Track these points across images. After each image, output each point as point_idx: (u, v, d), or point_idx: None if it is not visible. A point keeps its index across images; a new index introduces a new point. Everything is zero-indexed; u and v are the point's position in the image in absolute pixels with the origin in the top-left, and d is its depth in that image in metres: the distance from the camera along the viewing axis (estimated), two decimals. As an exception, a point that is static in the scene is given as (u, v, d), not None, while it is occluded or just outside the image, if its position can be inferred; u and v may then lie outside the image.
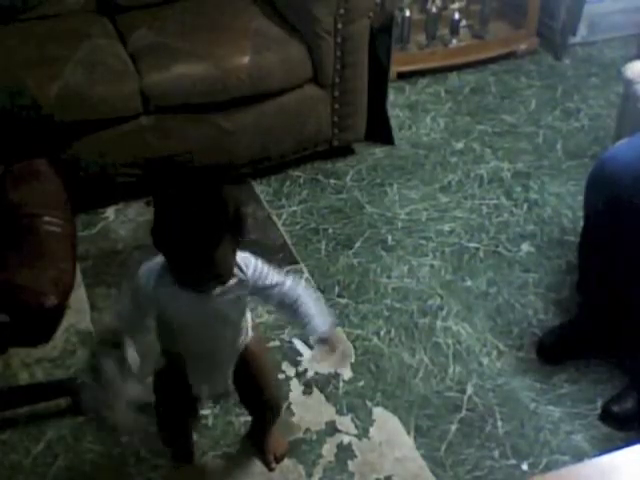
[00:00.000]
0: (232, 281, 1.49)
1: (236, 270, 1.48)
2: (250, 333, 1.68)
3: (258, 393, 1.77)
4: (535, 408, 2.04)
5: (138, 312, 1.55)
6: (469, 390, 2.09)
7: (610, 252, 2.02)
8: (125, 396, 1.54)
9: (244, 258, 1.51)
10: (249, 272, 1.50)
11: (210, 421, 1.99)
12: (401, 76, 3.40)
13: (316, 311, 1.57)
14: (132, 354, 1.51)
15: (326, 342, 1.57)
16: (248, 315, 1.66)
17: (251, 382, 1.73)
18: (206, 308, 1.51)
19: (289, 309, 1.58)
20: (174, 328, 1.56)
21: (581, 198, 2.17)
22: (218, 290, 1.48)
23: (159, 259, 1.47)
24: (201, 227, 1.35)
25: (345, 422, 2.00)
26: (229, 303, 1.53)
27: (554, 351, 2.17)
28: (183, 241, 1.36)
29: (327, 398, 2.06)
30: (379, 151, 3.01)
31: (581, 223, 2.23)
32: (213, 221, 1.36)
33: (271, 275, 1.54)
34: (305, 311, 1.56)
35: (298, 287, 1.57)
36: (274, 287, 1.54)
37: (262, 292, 1.55)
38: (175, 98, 2.55)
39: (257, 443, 1.93)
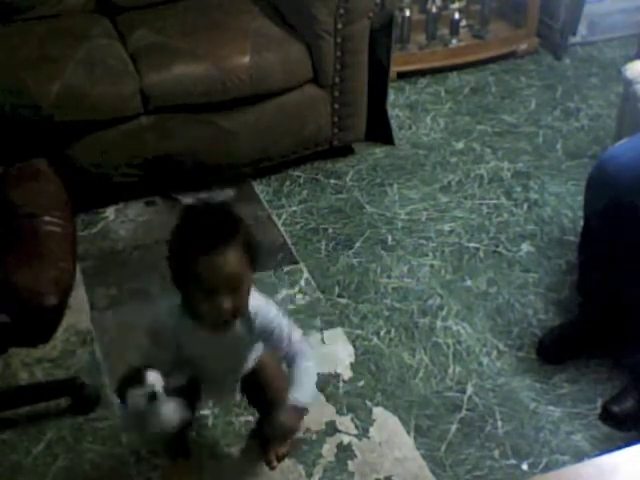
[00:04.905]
0: (243, 328, 1.53)
1: (246, 317, 1.52)
2: (262, 349, 1.70)
3: (265, 396, 1.78)
4: (535, 408, 2.04)
5: (157, 348, 1.56)
6: (469, 390, 2.09)
7: (610, 252, 2.02)
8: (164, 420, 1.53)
9: (256, 306, 1.53)
10: (257, 321, 1.54)
11: (210, 421, 1.99)
12: (401, 76, 3.40)
13: (303, 382, 1.60)
14: (155, 377, 1.51)
15: (293, 414, 1.58)
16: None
17: (262, 392, 1.75)
18: (222, 346, 1.55)
19: (284, 354, 1.62)
20: (190, 359, 1.59)
21: (581, 198, 2.17)
22: (230, 333, 1.52)
23: (174, 299, 1.50)
24: (216, 235, 1.39)
25: (345, 422, 2.00)
26: (243, 344, 1.58)
27: (554, 351, 2.17)
28: (199, 249, 1.38)
29: (327, 398, 2.06)
30: (379, 151, 3.01)
31: (581, 223, 2.23)
32: (227, 231, 1.41)
33: (279, 323, 1.57)
34: (295, 377, 1.60)
35: (303, 351, 1.60)
36: (278, 334, 1.58)
37: (266, 336, 1.59)
38: (175, 98, 2.55)
39: (261, 441, 1.93)
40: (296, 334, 1.61)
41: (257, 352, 1.69)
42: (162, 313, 1.54)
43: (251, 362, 1.69)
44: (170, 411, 1.50)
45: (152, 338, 1.57)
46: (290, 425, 1.60)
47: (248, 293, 1.47)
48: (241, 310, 1.48)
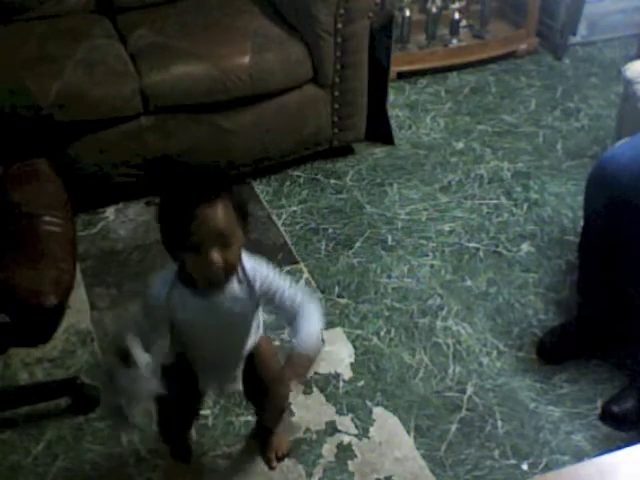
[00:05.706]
0: (241, 293, 1.51)
1: (244, 280, 1.50)
2: (261, 332, 1.69)
3: (264, 391, 1.77)
4: (535, 408, 2.04)
5: (149, 320, 1.55)
6: (469, 390, 2.09)
7: (610, 252, 2.02)
8: (143, 393, 1.51)
9: (253, 268, 1.52)
10: (257, 284, 1.52)
11: (210, 421, 1.99)
12: (401, 76, 3.40)
13: (309, 327, 1.52)
14: (139, 352, 1.49)
15: (298, 359, 1.51)
16: (260, 317, 1.67)
17: (258, 379, 1.73)
18: (217, 314, 1.52)
19: (289, 315, 1.55)
20: (185, 333, 1.58)
21: (581, 198, 2.17)
22: (228, 296, 1.50)
23: (171, 268, 1.50)
24: (204, 190, 1.40)
25: (345, 422, 2.00)
26: (239, 312, 1.55)
27: (554, 351, 2.17)
28: (188, 208, 1.38)
29: (327, 398, 2.06)
30: (379, 151, 3.01)
31: (581, 223, 2.23)
32: (216, 188, 1.41)
33: (279, 283, 1.54)
34: (300, 323, 1.52)
35: (304, 298, 1.56)
36: (281, 294, 1.54)
37: (269, 298, 1.56)
38: (175, 98, 2.55)
39: (261, 441, 1.93)
40: (298, 292, 1.57)
41: (258, 329, 1.66)
42: (156, 283, 1.53)
43: (252, 340, 1.65)
44: (150, 386, 1.48)
45: (145, 310, 1.55)
46: (311, 354, 1.50)
47: (239, 252, 1.46)
48: (232, 268, 1.45)
